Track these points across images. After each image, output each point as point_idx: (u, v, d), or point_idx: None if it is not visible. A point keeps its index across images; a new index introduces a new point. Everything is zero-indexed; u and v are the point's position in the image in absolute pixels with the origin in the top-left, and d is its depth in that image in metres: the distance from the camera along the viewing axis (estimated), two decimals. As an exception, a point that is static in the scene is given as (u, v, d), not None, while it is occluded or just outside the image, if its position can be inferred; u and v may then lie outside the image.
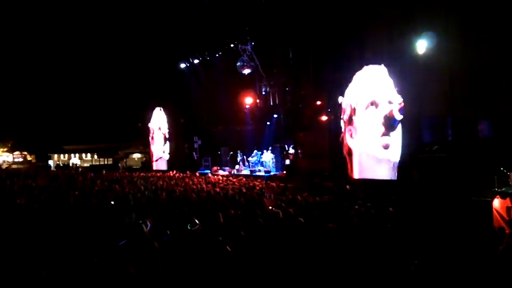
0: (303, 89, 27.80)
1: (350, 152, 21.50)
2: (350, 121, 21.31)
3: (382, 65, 19.97)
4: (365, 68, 20.92)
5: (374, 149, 20.06)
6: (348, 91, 21.61)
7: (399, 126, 19.17)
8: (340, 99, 22.25)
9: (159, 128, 38.81)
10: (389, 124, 19.35)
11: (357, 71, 21.30)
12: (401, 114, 18.94)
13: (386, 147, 19.44)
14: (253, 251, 6.23)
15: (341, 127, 22.29)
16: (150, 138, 40.45)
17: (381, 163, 19.89)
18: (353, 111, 21.09)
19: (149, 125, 40.42)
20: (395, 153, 19.31)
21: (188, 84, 35.32)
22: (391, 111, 19.18)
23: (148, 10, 32.40)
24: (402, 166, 19.30)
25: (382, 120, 19.65)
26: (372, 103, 20.12)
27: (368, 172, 20.54)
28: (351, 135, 21.31)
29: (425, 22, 18.43)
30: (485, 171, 14.73)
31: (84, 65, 46.32)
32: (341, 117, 22.15)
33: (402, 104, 18.87)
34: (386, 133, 19.49)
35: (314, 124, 26.00)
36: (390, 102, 19.36)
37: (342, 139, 22.08)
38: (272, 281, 5.35)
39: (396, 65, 19.66)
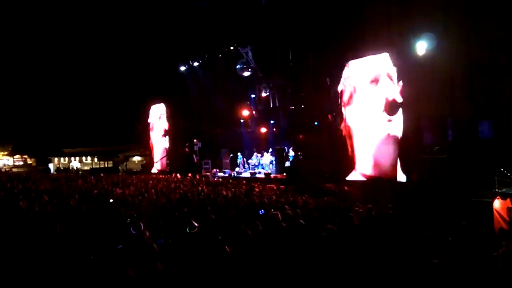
0: (303, 91, 27.79)
1: (350, 134, 21.38)
2: (349, 101, 21.21)
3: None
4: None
5: (376, 124, 20.03)
6: (346, 72, 21.52)
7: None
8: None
9: (160, 130, 38.84)
10: (391, 107, 19.42)
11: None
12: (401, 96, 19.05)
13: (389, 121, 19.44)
14: (252, 252, 6.22)
15: (339, 112, 22.20)
16: (150, 140, 40.49)
17: (384, 138, 19.84)
18: (354, 89, 21.03)
19: (150, 127, 40.46)
20: (398, 127, 19.31)
21: (188, 87, 35.33)
22: (393, 95, 19.20)
23: (147, 13, 32.47)
24: (403, 167, 19.34)
25: (383, 99, 19.74)
26: (373, 81, 20.11)
27: (371, 149, 20.46)
28: (351, 115, 21.23)
29: (424, 23, 18.42)
30: (485, 172, 14.70)
31: (84, 69, 46.42)
32: (339, 99, 22.02)
33: (402, 85, 18.97)
34: (387, 113, 19.56)
35: (314, 126, 26.00)
36: (390, 78, 19.40)
37: (341, 121, 21.98)
38: (272, 282, 5.35)
39: (395, 67, 19.68)
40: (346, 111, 21.58)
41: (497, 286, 5.35)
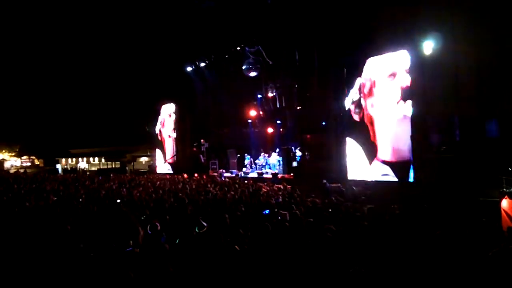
0: (309, 91, 27.79)
1: (371, 121, 21.52)
2: (370, 93, 21.35)
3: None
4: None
5: (392, 112, 20.35)
6: (366, 68, 21.60)
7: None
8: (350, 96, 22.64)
9: (167, 131, 38.93)
10: (405, 94, 19.87)
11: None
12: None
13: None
14: (261, 252, 6.23)
15: (359, 104, 22.43)
16: (160, 140, 40.59)
17: (400, 122, 20.10)
18: (374, 83, 21.18)
19: (157, 127, 40.57)
20: (409, 109, 19.64)
21: (195, 87, 35.36)
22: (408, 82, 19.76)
23: (155, 14, 32.52)
24: (409, 167, 19.34)
25: (399, 89, 20.07)
26: (391, 75, 20.27)
27: (389, 133, 20.78)
28: (372, 105, 21.50)
29: (431, 22, 18.39)
30: (492, 171, 14.65)
31: (91, 70, 46.53)
32: (361, 91, 22.13)
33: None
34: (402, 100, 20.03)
35: (321, 126, 26.00)
36: (407, 72, 19.75)
37: (364, 110, 22.12)
38: (280, 281, 5.36)
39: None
40: (367, 102, 21.58)
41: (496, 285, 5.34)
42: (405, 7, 19.32)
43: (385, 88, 20.90)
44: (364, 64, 21.98)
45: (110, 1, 35.20)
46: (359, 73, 22.14)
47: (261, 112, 31.60)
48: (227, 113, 33.92)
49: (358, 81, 22.14)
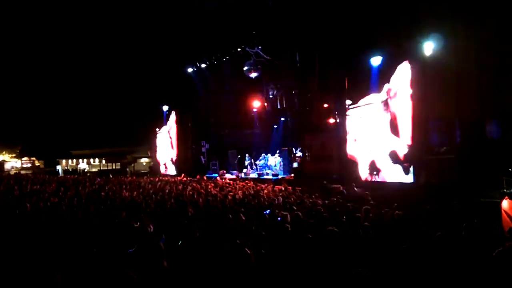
0: (310, 92, 27.80)
1: (395, 118, 21.45)
2: (395, 95, 21.35)
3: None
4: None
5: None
6: (394, 77, 21.50)
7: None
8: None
9: (167, 132, 38.91)
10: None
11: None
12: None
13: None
14: (261, 254, 6.22)
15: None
16: (157, 141, 40.58)
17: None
18: (399, 90, 21.19)
19: (158, 128, 40.55)
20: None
21: (196, 88, 35.31)
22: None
23: (156, 15, 32.52)
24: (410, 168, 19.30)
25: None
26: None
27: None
28: (395, 105, 21.45)
29: (432, 23, 18.39)
30: (493, 172, 14.65)
31: (91, 71, 46.53)
32: (389, 94, 22.00)
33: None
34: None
35: (321, 127, 26.01)
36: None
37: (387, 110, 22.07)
38: (281, 282, 5.35)
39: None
40: (392, 102, 21.48)
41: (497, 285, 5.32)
42: (405, 9, 19.35)
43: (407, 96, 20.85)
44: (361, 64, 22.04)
45: (112, 2, 35.19)
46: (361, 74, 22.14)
47: (265, 104, 31.47)
48: (227, 114, 33.91)
49: (386, 86, 22.10)
